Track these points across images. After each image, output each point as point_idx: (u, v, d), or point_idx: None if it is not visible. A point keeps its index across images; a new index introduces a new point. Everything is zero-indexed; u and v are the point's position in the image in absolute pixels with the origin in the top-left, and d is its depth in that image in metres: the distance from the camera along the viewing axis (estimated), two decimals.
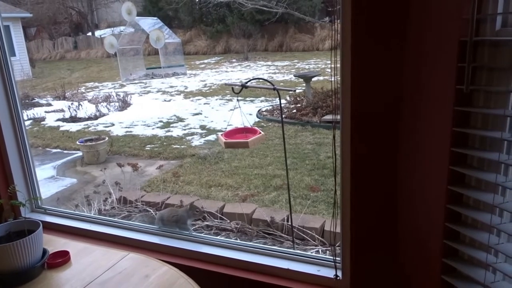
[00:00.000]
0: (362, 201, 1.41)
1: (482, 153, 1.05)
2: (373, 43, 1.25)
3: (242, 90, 2.98)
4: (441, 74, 1.08)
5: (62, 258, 1.49)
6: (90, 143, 5.90)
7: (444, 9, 1.06)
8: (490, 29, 0.98)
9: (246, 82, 2.97)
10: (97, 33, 21.01)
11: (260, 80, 8.99)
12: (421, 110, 1.19)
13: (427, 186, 1.21)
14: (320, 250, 3.21)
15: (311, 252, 2.98)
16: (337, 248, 1.59)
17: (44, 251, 1.47)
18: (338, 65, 1.33)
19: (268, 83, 3.35)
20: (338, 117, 1.39)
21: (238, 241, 1.90)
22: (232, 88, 3.21)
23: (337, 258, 1.54)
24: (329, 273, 1.57)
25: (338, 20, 1.30)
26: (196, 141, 6.51)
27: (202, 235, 1.96)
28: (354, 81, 1.30)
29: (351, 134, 1.35)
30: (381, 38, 1.23)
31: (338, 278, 1.53)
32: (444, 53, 1.06)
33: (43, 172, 5.56)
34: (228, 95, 9.38)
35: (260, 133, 2.91)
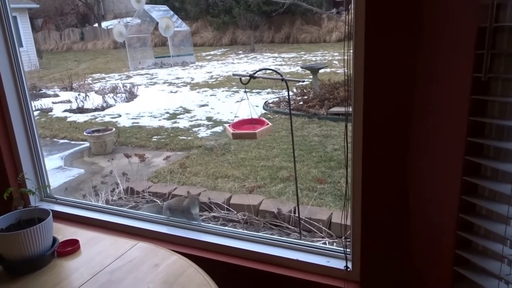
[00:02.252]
0: (373, 193, 1.39)
1: (499, 143, 1.03)
2: (386, 32, 1.22)
3: (249, 82, 2.96)
4: (458, 61, 1.05)
5: (71, 247, 1.50)
6: (97, 134, 5.92)
7: None
8: (510, 15, 0.95)
9: (254, 73, 2.95)
10: (104, 24, 20.99)
11: (268, 72, 8.94)
12: (436, 99, 1.16)
13: (441, 176, 1.19)
14: (327, 242, 3.20)
15: (319, 244, 2.98)
16: (347, 239, 1.58)
17: (54, 240, 1.48)
18: (347, 56, 1.31)
19: (276, 74, 3.32)
20: (348, 108, 1.37)
21: (248, 231, 1.89)
22: (240, 79, 3.19)
23: (347, 250, 1.53)
24: (339, 264, 1.56)
25: (351, 10, 1.28)
26: (203, 132, 6.51)
27: (211, 225, 1.96)
28: (367, 72, 1.27)
29: (364, 125, 1.33)
30: (394, 27, 1.21)
31: (348, 269, 1.52)
32: (461, 40, 1.03)
33: (51, 162, 5.60)
34: (235, 87, 9.36)
35: (267, 124, 2.89)
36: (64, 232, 1.63)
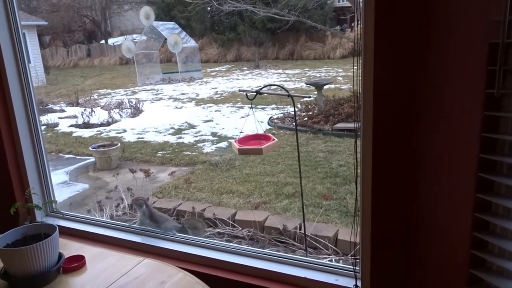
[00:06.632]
0: (383, 209, 1.37)
1: None
2: (396, 49, 1.22)
3: (255, 97, 2.97)
4: (470, 78, 1.05)
5: (77, 263, 1.48)
6: (103, 149, 5.94)
7: (472, 11, 1.04)
8: None
9: (261, 89, 2.96)
10: (110, 41, 21.30)
11: (273, 87, 8.98)
12: (448, 116, 1.15)
13: (453, 193, 1.17)
14: (333, 260, 3.15)
15: (325, 261, 2.93)
16: (355, 257, 1.55)
17: (60, 255, 1.46)
18: (355, 72, 1.31)
19: (282, 90, 3.33)
20: (354, 124, 1.37)
21: (255, 248, 1.87)
22: (246, 94, 3.20)
23: (356, 268, 1.50)
24: (347, 282, 1.53)
25: (359, 26, 1.28)
26: (208, 148, 6.51)
27: (216, 241, 1.93)
28: (376, 88, 1.27)
29: (373, 141, 1.31)
30: (404, 43, 1.21)
31: None
32: (473, 56, 1.03)
33: (56, 177, 5.60)
34: (239, 103, 9.39)
35: (274, 140, 2.88)
36: (70, 247, 1.61)
